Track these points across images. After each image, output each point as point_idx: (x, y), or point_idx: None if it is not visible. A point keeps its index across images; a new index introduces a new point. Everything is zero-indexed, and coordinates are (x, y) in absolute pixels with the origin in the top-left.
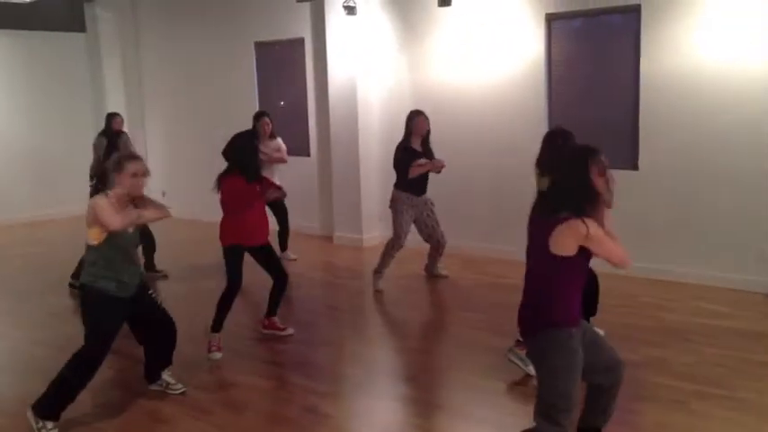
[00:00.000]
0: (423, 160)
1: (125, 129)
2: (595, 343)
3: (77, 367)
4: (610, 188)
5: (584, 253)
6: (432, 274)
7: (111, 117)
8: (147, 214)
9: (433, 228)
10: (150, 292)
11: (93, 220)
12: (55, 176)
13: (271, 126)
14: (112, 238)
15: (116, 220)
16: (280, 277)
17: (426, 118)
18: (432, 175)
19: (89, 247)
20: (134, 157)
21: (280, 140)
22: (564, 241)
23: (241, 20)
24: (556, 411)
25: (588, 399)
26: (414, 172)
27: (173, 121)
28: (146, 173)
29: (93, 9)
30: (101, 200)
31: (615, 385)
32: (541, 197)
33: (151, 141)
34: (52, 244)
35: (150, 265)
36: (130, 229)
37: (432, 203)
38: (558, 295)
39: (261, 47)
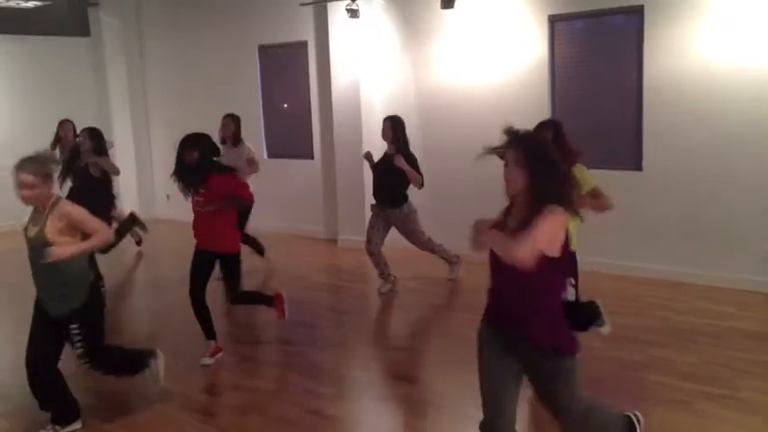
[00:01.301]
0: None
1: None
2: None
3: None
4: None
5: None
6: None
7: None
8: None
9: (409, 239)
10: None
11: (76, 226)
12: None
13: (231, 129)
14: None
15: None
16: (228, 292)
17: (389, 124)
18: (435, 178)
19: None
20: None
21: (248, 146)
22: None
23: (245, 23)
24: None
25: None
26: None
27: (176, 124)
28: (22, 185)
29: (97, 13)
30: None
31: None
32: None
33: (155, 145)
34: None
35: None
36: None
37: (404, 216)
38: None
39: (264, 50)
